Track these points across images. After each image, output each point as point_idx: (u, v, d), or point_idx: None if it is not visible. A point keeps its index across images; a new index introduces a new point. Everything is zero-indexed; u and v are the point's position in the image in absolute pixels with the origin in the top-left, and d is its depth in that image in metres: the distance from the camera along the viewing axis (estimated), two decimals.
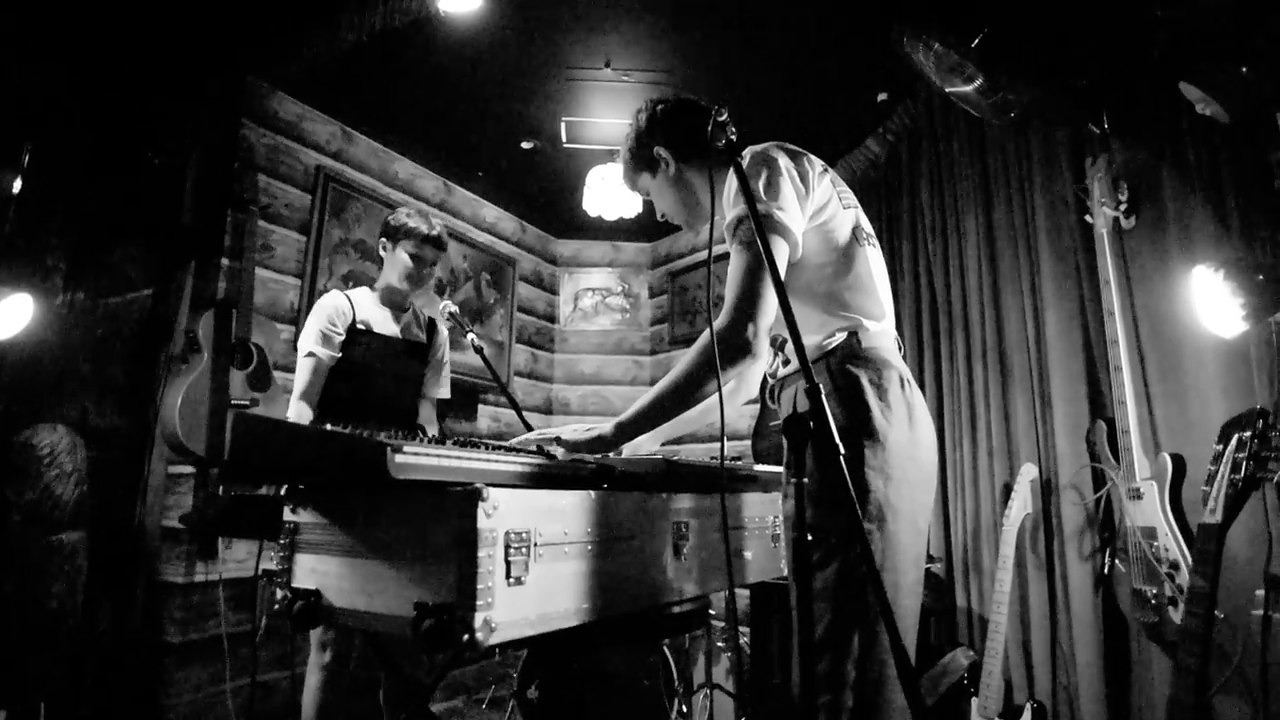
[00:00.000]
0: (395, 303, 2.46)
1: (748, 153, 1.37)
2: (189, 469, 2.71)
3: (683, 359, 1.31)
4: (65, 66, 2.55)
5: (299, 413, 2.23)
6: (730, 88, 3.29)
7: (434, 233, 2.40)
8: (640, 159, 1.61)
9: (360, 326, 2.34)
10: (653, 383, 5.00)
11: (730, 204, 1.33)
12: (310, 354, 2.25)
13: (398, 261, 2.39)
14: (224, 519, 2.16)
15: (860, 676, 1.16)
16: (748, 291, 1.24)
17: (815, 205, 1.36)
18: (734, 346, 1.24)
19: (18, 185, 2.18)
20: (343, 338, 2.30)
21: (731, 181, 1.33)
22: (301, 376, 2.25)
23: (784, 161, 1.35)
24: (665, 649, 2.57)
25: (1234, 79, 2.02)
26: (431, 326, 2.56)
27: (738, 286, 1.26)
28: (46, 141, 2.43)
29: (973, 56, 2.45)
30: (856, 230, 1.43)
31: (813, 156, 1.44)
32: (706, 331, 1.23)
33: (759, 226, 1.09)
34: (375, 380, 2.34)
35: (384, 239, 2.42)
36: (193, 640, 2.63)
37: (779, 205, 1.28)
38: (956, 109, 2.90)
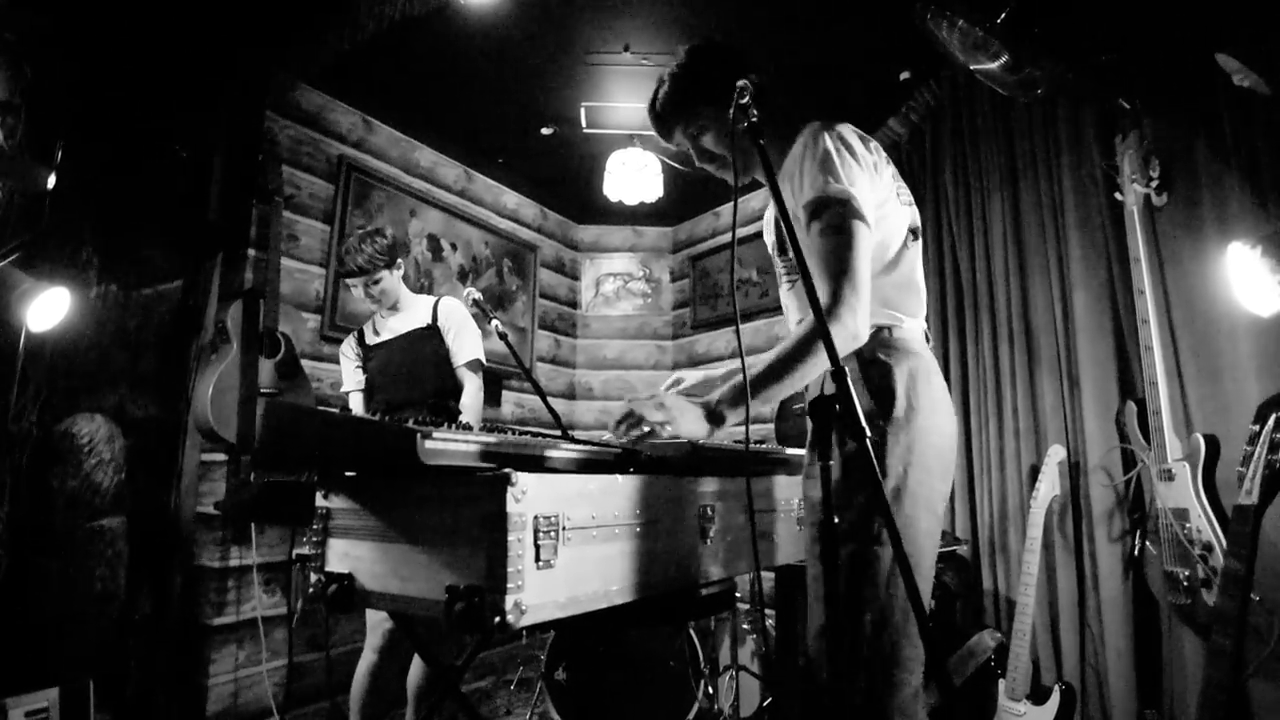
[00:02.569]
0: (389, 307, 2.65)
1: (821, 132, 1.31)
2: (221, 456, 2.77)
3: (789, 347, 1.24)
4: (93, 63, 2.59)
5: None
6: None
7: (345, 265, 2.51)
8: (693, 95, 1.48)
9: (370, 343, 2.62)
10: (675, 366, 5.01)
11: (808, 182, 1.28)
12: (349, 391, 2.66)
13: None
14: (257, 505, 2.20)
15: (872, 656, 1.19)
16: (850, 278, 1.19)
17: (878, 199, 1.34)
18: (844, 337, 1.19)
19: (52, 181, 2.23)
20: (361, 363, 2.64)
21: (805, 156, 1.29)
22: (354, 406, 2.66)
23: (860, 148, 1.32)
24: (691, 631, 2.59)
25: (1275, 48, 1.96)
26: (434, 307, 2.65)
27: (837, 273, 1.20)
28: (77, 138, 2.47)
29: (998, 32, 2.40)
30: (911, 227, 1.42)
31: (877, 143, 1.41)
32: (807, 321, 1.20)
33: (850, 212, 1.08)
34: (396, 379, 2.55)
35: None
36: (229, 623, 2.69)
37: (858, 191, 1.25)
38: (981, 87, 2.85)
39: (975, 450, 3.02)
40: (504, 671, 3.74)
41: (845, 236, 1.20)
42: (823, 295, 1.18)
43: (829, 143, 1.28)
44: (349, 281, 2.56)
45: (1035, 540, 2.51)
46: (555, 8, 2.87)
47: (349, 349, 2.67)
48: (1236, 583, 1.70)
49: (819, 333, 1.07)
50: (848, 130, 1.35)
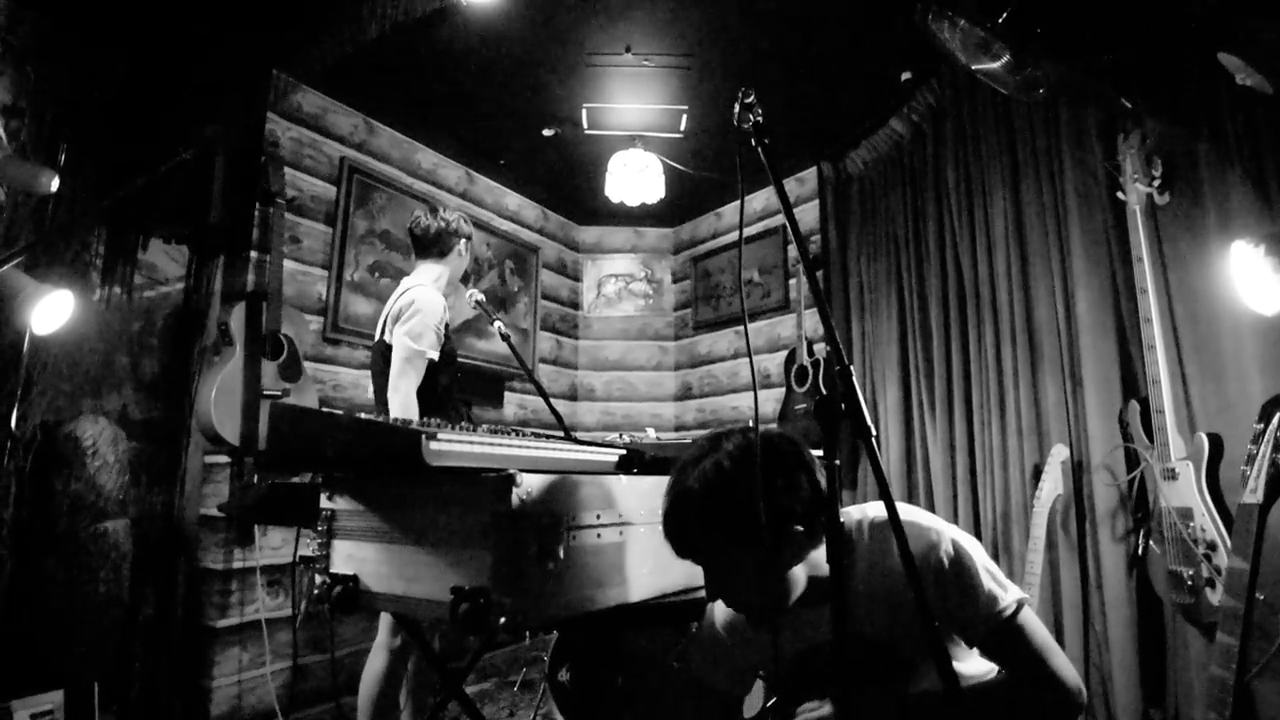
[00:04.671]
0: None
1: (957, 548, 1.15)
2: (224, 458, 2.77)
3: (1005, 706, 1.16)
4: (96, 66, 2.59)
5: (406, 406, 2.22)
6: (752, 69, 3.26)
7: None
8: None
9: (446, 322, 2.43)
10: (676, 367, 5.00)
11: (967, 611, 1.14)
12: (428, 356, 2.27)
13: (465, 261, 2.57)
14: (261, 507, 2.19)
15: None
16: (1047, 661, 1.12)
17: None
18: (1066, 698, 1.12)
19: (56, 184, 2.24)
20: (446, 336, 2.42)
21: (951, 589, 1.14)
22: (413, 375, 2.25)
23: (981, 551, 1.21)
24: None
25: (1276, 47, 1.96)
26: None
27: (1046, 662, 1.13)
28: (81, 140, 2.48)
29: (999, 33, 2.40)
30: None
31: None
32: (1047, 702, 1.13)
33: (1018, 613, 1.10)
34: (457, 368, 2.53)
35: (458, 239, 2.51)
36: (233, 624, 2.70)
37: (1007, 588, 1.15)
38: (983, 87, 2.84)
39: (978, 450, 3.02)
40: (507, 673, 3.74)
41: (1019, 627, 1.13)
42: (1053, 689, 1.12)
43: (970, 561, 1.15)
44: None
45: (1039, 540, 2.50)
46: (556, 9, 2.87)
47: (445, 314, 2.39)
48: (1241, 581, 1.69)
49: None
50: (966, 541, 1.19)
